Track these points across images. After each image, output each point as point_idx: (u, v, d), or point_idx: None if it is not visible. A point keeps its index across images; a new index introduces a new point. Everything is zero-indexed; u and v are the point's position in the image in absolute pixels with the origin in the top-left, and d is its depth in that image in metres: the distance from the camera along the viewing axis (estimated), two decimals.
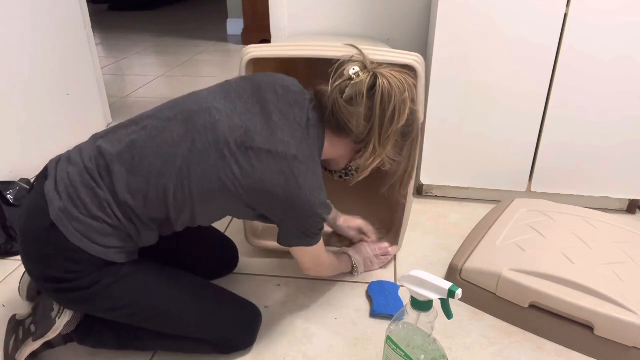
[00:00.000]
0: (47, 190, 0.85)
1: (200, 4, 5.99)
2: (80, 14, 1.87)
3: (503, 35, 1.33)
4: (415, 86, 0.98)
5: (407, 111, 0.94)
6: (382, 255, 1.28)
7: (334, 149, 1.00)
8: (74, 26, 1.84)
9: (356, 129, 0.95)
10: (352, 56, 0.96)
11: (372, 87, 0.92)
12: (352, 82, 0.93)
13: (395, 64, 1.07)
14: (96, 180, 0.85)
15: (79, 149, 0.90)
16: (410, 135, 1.02)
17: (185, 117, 0.88)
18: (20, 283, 1.07)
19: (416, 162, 1.10)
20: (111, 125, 0.94)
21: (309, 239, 0.99)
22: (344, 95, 0.93)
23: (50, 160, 0.91)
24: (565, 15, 1.28)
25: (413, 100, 0.97)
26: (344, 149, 1.00)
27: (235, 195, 0.89)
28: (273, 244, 1.33)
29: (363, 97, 0.92)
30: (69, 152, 0.91)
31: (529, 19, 1.30)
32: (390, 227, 1.38)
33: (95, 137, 0.92)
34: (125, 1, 5.51)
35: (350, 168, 1.07)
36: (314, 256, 1.06)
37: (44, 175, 0.88)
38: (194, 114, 0.89)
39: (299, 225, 0.96)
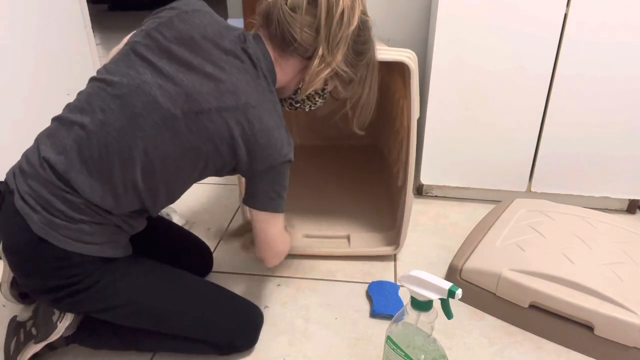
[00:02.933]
0: (19, 206, 0.81)
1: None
2: (80, 14, 1.87)
3: (503, 35, 1.33)
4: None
5: (356, 16, 0.88)
6: None
7: (283, 72, 0.93)
8: (74, 26, 1.84)
9: (301, 38, 0.88)
10: None
11: None
12: None
13: (387, 61, 1.06)
14: (62, 188, 0.81)
15: (26, 157, 0.85)
16: (364, 55, 0.96)
17: (120, 104, 0.82)
18: (2, 292, 1.05)
19: (374, 96, 1.03)
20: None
21: (279, 198, 0.93)
22: (287, 2, 0.88)
23: (7, 174, 0.86)
24: (565, 16, 1.28)
25: (364, 12, 0.92)
26: (292, 68, 0.93)
27: (203, 160, 0.86)
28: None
29: (306, 1, 0.86)
30: (19, 162, 0.86)
31: (528, 18, 1.30)
32: (391, 225, 1.38)
33: (38, 141, 0.86)
34: (125, 1, 5.51)
35: (298, 92, 0.99)
36: (281, 228, 1.00)
37: (9, 190, 0.84)
38: (126, 97, 0.82)
39: (269, 176, 0.90)
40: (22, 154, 0.88)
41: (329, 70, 0.92)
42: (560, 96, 1.38)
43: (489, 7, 1.30)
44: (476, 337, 1.08)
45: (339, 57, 0.91)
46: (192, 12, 0.89)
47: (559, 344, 1.07)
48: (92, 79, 0.88)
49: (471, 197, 1.63)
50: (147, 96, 0.82)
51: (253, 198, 0.93)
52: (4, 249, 0.86)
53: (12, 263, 0.87)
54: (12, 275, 1.02)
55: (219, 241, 1.42)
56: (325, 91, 1.02)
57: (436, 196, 1.65)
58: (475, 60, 1.37)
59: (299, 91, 0.99)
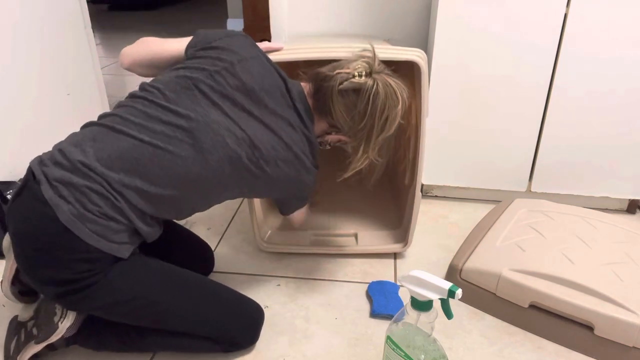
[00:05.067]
0: (48, 196, 0.82)
1: (200, 4, 5.98)
2: (80, 14, 1.87)
3: (503, 36, 1.33)
4: (408, 98, 1.01)
5: (397, 122, 0.99)
6: None
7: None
8: (74, 26, 1.84)
9: (337, 118, 1.00)
10: (364, 55, 0.99)
11: (372, 92, 0.95)
12: (353, 79, 0.96)
13: (398, 60, 1.07)
14: (109, 190, 0.84)
15: (61, 151, 0.86)
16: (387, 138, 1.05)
17: (188, 136, 0.89)
18: (2, 289, 1.05)
19: (385, 159, 1.11)
20: (86, 125, 0.93)
21: (304, 201, 1.15)
22: (341, 86, 0.97)
23: (32, 163, 0.87)
24: (565, 16, 1.28)
25: (402, 116, 1.00)
26: (320, 127, 1.06)
27: (250, 192, 1.03)
28: (283, 248, 1.35)
29: (365, 98, 0.95)
30: (51, 154, 0.87)
31: (529, 18, 1.30)
32: (398, 223, 1.39)
33: (80, 141, 0.87)
34: (125, 1, 5.51)
35: (320, 141, 1.11)
36: (303, 211, 1.19)
37: (35, 180, 0.84)
38: (194, 132, 0.89)
39: (298, 195, 1.11)
40: (53, 146, 0.90)
41: (367, 162, 1.03)
42: (560, 96, 1.38)
43: (488, 7, 1.30)
44: (476, 337, 1.08)
45: (376, 151, 1.02)
46: (251, 60, 0.97)
47: (559, 344, 1.07)
48: (143, 97, 0.92)
49: (471, 197, 1.63)
50: (216, 135, 0.90)
51: (289, 209, 1.15)
52: (16, 237, 0.86)
53: (24, 252, 0.86)
54: (13, 272, 1.02)
55: (219, 241, 1.42)
56: (337, 143, 1.12)
57: (436, 196, 1.65)
58: (475, 62, 1.37)
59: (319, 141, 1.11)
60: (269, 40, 1.79)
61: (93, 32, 1.98)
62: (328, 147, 1.13)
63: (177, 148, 0.88)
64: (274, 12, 1.73)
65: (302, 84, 1.03)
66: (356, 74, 0.96)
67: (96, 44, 2.03)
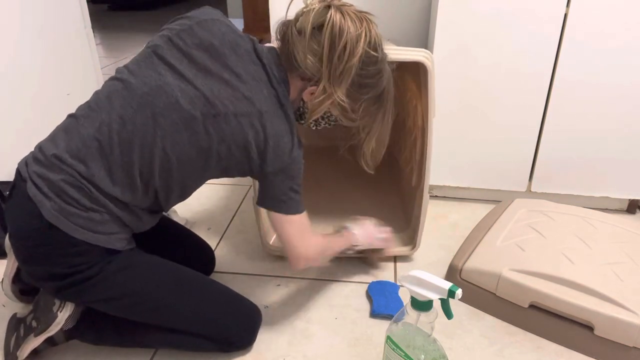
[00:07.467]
0: (32, 193, 0.83)
1: (200, 4, 5.99)
2: (80, 14, 1.87)
3: (502, 35, 1.33)
4: (376, 31, 0.92)
5: (359, 49, 0.89)
6: (385, 234, 1.23)
7: (291, 87, 0.97)
8: (74, 26, 1.84)
9: (302, 62, 0.91)
10: None
11: (321, 18, 0.89)
12: (305, 10, 0.91)
13: (403, 61, 1.06)
14: (80, 181, 0.84)
15: (40, 148, 0.88)
16: (369, 89, 0.95)
17: (141, 103, 0.86)
18: (3, 288, 1.06)
19: (387, 131, 1.03)
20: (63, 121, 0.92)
21: (290, 201, 0.95)
22: (297, 23, 0.92)
23: (20, 163, 0.89)
24: (566, 16, 1.28)
25: (373, 47, 0.91)
26: (295, 86, 0.96)
27: (215, 160, 0.90)
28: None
29: (317, 26, 0.89)
30: (33, 151, 0.89)
31: (529, 16, 1.30)
32: (405, 225, 1.38)
33: (54, 135, 0.88)
34: (125, 1, 5.51)
35: (304, 111, 1.02)
36: (301, 229, 0.99)
37: (21, 179, 0.86)
38: (147, 97, 0.86)
39: (279, 178, 0.93)
40: (35, 145, 0.90)
41: (330, 101, 0.93)
42: (560, 96, 1.38)
43: (488, 5, 1.30)
44: (476, 337, 1.08)
45: (342, 89, 0.92)
46: (212, 21, 0.93)
47: (559, 344, 1.07)
48: (111, 79, 0.92)
49: (471, 197, 1.63)
50: (168, 97, 0.86)
51: (264, 199, 0.97)
52: (12, 236, 0.88)
53: (20, 250, 0.88)
54: (14, 271, 1.03)
55: (219, 241, 1.42)
56: (332, 117, 1.03)
57: (436, 196, 1.65)
58: (475, 61, 1.37)
59: (304, 114, 1.02)
60: (269, 41, 1.79)
61: (93, 32, 1.98)
62: (300, 118, 1.03)
63: (134, 118, 0.85)
64: (274, 12, 1.73)
65: (275, 47, 0.97)
66: (308, 3, 0.90)
67: (96, 44, 2.03)
